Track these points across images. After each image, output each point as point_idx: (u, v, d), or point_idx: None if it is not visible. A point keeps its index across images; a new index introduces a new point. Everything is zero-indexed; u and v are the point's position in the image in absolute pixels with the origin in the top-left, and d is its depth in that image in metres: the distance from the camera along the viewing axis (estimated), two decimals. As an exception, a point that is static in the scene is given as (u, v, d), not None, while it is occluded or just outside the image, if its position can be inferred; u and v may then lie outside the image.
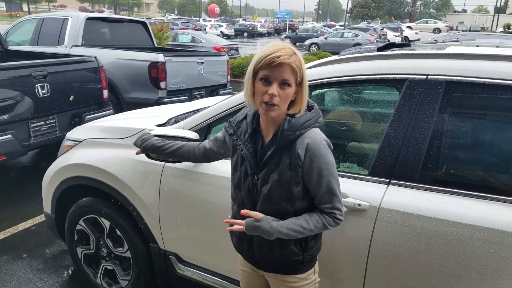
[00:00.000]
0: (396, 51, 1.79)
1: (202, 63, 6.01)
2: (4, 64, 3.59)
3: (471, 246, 1.40)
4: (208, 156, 1.70)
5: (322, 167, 1.27)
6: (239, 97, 1.97)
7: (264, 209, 1.34)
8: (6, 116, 3.60)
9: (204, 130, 2.04)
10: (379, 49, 1.96)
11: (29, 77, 3.77)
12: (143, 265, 2.32)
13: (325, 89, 2.04)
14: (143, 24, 7.24)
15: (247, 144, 1.37)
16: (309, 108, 1.35)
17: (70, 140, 2.58)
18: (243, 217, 1.36)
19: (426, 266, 1.48)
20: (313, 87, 1.79)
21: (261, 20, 57.11)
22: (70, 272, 2.83)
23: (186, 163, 1.99)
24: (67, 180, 2.44)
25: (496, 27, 44.47)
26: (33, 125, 3.93)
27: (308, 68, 1.84)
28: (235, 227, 1.36)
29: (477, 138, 1.52)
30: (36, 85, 3.84)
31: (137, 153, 1.93)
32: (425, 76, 1.57)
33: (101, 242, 2.49)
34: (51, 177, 2.53)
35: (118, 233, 2.35)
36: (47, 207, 2.64)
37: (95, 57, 4.54)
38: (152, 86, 5.42)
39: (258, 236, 1.36)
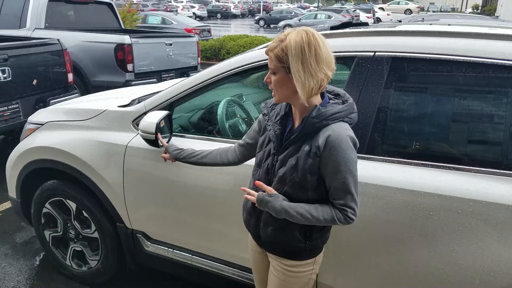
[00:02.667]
0: (347, 30, 1.86)
1: (171, 44, 5.94)
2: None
3: (413, 210, 1.52)
4: (245, 151, 1.63)
5: (340, 162, 1.25)
6: (202, 76, 2.01)
7: (277, 190, 1.36)
8: (-35, 101, 3.50)
9: (167, 108, 2.07)
10: (332, 28, 2.03)
11: (-12, 61, 3.66)
12: (111, 244, 2.36)
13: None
14: (109, 5, 7.06)
15: (276, 126, 1.38)
16: (344, 101, 1.34)
17: (32, 123, 2.55)
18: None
19: (372, 230, 1.60)
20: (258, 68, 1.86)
21: (235, 1, 56.05)
22: (40, 256, 2.84)
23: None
24: (31, 164, 2.43)
25: (466, 8, 45.51)
26: (-4, 110, 3.83)
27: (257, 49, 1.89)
28: (248, 196, 1.40)
29: (420, 111, 1.62)
30: (-4, 69, 3.73)
31: (166, 158, 1.87)
32: (372, 53, 1.65)
33: (68, 224, 2.51)
34: (14, 162, 2.51)
35: (85, 214, 2.38)
36: (11, 191, 2.63)
37: (58, 40, 4.43)
38: (119, 69, 5.35)
39: (266, 214, 1.38)
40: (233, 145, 1.68)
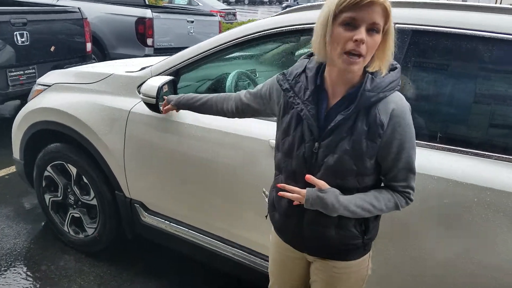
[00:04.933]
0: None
1: (192, 22, 5.82)
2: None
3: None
4: (242, 111, 1.42)
5: (406, 138, 1.06)
6: (211, 42, 1.88)
7: (327, 183, 1.10)
8: (-19, 62, 3.48)
9: (173, 75, 1.95)
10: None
11: (7, 24, 3.62)
12: (109, 213, 2.29)
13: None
14: (135, -20, 6.96)
15: (308, 104, 1.11)
16: (392, 66, 1.10)
17: (40, 84, 2.48)
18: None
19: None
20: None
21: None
22: (41, 222, 2.80)
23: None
24: (35, 125, 2.37)
25: None
26: (12, 73, 3.81)
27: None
28: (289, 195, 1.13)
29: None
30: (15, 33, 3.69)
31: (166, 111, 1.74)
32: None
33: (68, 190, 2.45)
34: (19, 123, 2.46)
35: (85, 180, 2.31)
36: (16, 153, 2.58)
37: (78, 8, 4.37)
38: (138, 43, 5.27)
39: (311, 212, 1.13)
40: (230, 95, 1.46)
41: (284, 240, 1.28)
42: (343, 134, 1.08)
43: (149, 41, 5.24)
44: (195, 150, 1.85)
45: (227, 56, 2.07)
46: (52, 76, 2.48)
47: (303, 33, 1.67)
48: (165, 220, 2.09)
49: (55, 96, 2.31)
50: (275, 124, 1.27)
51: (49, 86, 2.40)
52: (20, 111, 2.50)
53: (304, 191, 1.10)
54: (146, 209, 2.15)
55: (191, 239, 2.01)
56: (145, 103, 1.77)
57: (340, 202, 1.08)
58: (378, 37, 1.00)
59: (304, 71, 1.16)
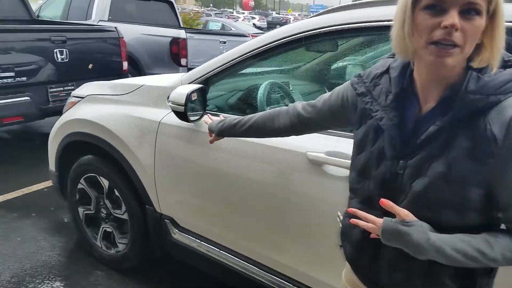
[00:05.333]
0: None
1: (225, 42, 5.87)
2: (24, 26, 3.58)
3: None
4: (301, 127, 1.18)
5: None
6: (242, 48, 1.80)
7: (413, 214, 0.83)
8: (24, 79, 3.61)
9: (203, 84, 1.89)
10: None
11: (48, 41, 3.75)
12: (139, 228, 2.22)
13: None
14: (170, 3, 7.17)
15: (390, 111, 0.88)
16: (506, 62, 0.81)
17: (74, 96, 2.50)
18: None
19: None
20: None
21: (295, 14, 56.17)
22: (74, 234, 2.78)
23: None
24: (69, 136, 2.37)
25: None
26: (52, 90, 3.93)
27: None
28: (362, 223, 0.88)
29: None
30: (55, 50, 3.82)
31: (212, 141, 1.51)
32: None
33: (100, 203, 2.41)
34: (55, 134, 2.48)
35: (117, 193, 2.26)
36: (51, 164, 2.59)
37: (115, 27, 4.49)
38: (173, 63, 5.35)
39: (390, 250, 0.87)
40: (282, 109, 1.22)
41: (358, 277, 1.03)
42: (436, 151, 0.81)
43: (183, 61, 5.31)
44: (224, 163, 1.76)
45: (258, 66, 2.00)
46: (86, 88, 2.50)
47: (343, 34, 1.55)
48: (196, 239, 1.98)
49: (87, 108, 2.31)
50: (312, 135, 1.15)
51: (83, 98, 2.41)
52: (56, 123, 2.52)
53: (380, 220, 0.84)
54: (176, 225, 2.06)
55: (225, 262, 1.88)
56: (173, 111, 1.70)
57: (430, 241, 0.78)
58: (480, 21, 0.75)
59: (387, 71, 0.94)
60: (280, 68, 2.45)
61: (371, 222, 0.86)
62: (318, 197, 1.48)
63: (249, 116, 1.31)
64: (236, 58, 1.77)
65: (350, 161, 1.00)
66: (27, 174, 3.59)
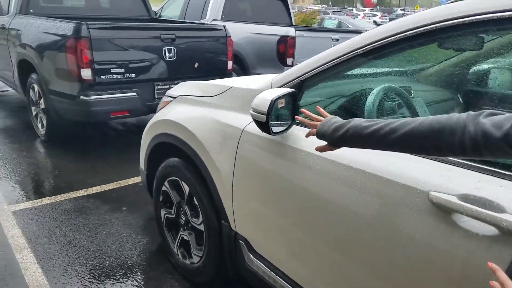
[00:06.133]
0: None
1: (338, 40, 5.49)
2: (135, 24, 3.77)
3: None
4: (491, 150, 0.83)
5: None
6: (351, 43, 1.49)
7: None
8: (133, 75, 3.80)
9: (296, 88, 1.62)
10: None
11: (158, 39, 3.90)
12: (214, 243, 2.06)
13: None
14: (284, 1, 7.07)
15: None
16: None
17: (167, 96, 2.47)
18: None
19: None
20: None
21: (420, 10, 52.10)
22: (157, 234, 2.78)
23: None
24: (157, 137, 2.35)
25: None
26: (159, 87, 4.09)
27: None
28: None
29: None
30: (164, 48, 3.96)
31: (322, 149, 1.23)
32: None
33: (181, 209, 2.33)
34: (146, 132, 2.48)
35: (195, 201, 2.14)
36: (142, 162, 2.62)
37: (223, 26, 4.50)
38: (278, 62, 5.18)
39: None
40: (460, 116, 0.88)
41: None
42: None
43: (288, 61, 5.12)
44: (317, 186, 1.46)
45: (369, 67, 1.65)
46: (180, 88, 2.44)
47: (494, 25, 1.11)
48: (272, 271, 1.72)
49: (177, 109, 2.24)
50: (442, 166, 0.78)
51: (175, 98, 2.35)
52: (149, 122, 2.52)
53: None
54: (251, 249, 1.84)
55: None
56: (254, 120, 1.47)
57: None
58: None
59: None
60: (399, 69, 2.04)
61: None
62: (443, 250, 1.09)
63: (395, 121, 0.98)
64: (341, 57, 1.46)
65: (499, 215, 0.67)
66: (128, 167, 3.78)
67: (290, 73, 1.65)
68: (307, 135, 1.33)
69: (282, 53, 5.14)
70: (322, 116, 1.26)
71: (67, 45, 3.45)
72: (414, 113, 1.78)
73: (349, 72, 1.64)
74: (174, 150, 2.29)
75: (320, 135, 1.20)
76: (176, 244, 2.39)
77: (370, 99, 1.64)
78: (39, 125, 4.33)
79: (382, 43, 1.34)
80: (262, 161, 1.68)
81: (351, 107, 1.74)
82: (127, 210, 3.05)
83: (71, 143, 4.41)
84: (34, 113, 4.40)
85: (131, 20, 5.29)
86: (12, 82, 4.79)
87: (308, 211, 1.50)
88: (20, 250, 2.45)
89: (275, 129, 1.46)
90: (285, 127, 1.51)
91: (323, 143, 1.21)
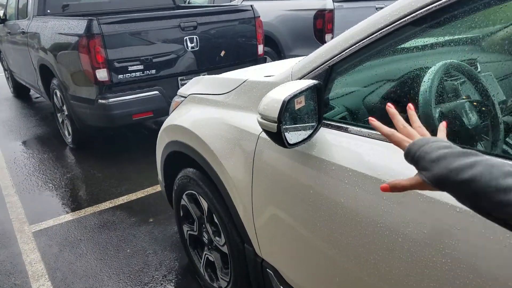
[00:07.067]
0: None
1: (383, 8, 4.91)
2: (151, 14, 3.51)
3: None
4: None
5: None
6: (390, 12, 1.11)
7: None
8: (154, 71, 3.57)
9: (322, 78, 1.25)
10: None
11: (177, 29, 3.63)
12: (239, 270, 1.76)
13: None
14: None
15: None
16: None
17: (179, 95, 2.18)
18: None
19: None
20: None
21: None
22: (183, 249, 2.55)
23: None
24: (168, 145, 2.07)
25: None
26: (183, 82, 3.83)
27: None
28: None
29: None
30: (185, 38, 3.68)
31: (392, 188, 0.81)
32: None
33: (203, 225, 2.06)
34: (158, 140, 2.22)
35: (216, 219, 1.85)
36: (159, 172, 2.37)
37: (251, 6, 4.13)
38: (316, 41, 4.73)
39: None
40: None
41: None
42: None
43: (327, 38, 4.64)
44: (357, 202, 1.10)
45: (423, 37, 1.25)
46: (191, 85, 2.14)
47: None
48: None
49: (186, 111, 1.95)
50: None
51: (185, 97, 2.05)
52: (161, 127, 2.26)
53: None
54: (282, 281, 1.51)
55: None
56: (263, 130, 1.12)
57: None
58: None
59: None
60: (457, 37, 1.58)
61: None
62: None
63: None
64: (384, 28, 1.09)
65: None
66: (156, 171, 3.57)
67: (313, 58, 1.28)
68: (377, 128, 0.88)
69: (320, 30, 4.68)
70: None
71: (79, 45, 3.27)
72: (485, 95, 1.36)
73: (394, 48, 1.25)
74: (190, 159, 2.01)
75: (411, 156, 0.76)
76: (202, 265, 2.14)
77: (426, 82, 1.25)
78: (66, 133, 4.26)
79: (440, 4, 0.94)
80: (285, 175, 1.33)
81: (400, 95, 1.33)
82: (153, 222, 2.85)
83: (100, 150, 4.30)
84: (60, 119, 4.34)
85: (153, 10, 5.07)
86: (38, 88, 4.78)
87: (350, 231, 1.14)
88: (37, 278, 2.31)
89: (293, 137, 1.11)
90: (307, 135, 1.14)
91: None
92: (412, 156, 0.75)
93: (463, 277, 0.85)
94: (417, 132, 0.82)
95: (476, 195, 0.63)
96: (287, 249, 1.45)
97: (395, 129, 0.86)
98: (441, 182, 0.68)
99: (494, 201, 0.61)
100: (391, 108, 0.89)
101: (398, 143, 0.82)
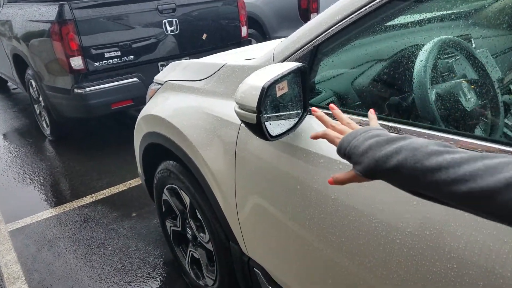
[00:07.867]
0: None
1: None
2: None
3: None
4: None
5: None
6: None
7: None
8: (132, 57, 3.39)
9: (306, 60, 1.12)
10: None
11: (155, 12, 3.44)
12: (225, 268, 1.66)
13: None
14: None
15: None
16: None
17: (155, 82, 2.03)
18: None
19: None
20: None
21: None
22: (166, 245, 2.43)
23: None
24: (146, 137, 1.93)
25: None
26: (164, 67, 3.65)
27: None
28: None
29: None
30: (163, 21, 3.49)
31: (335, 182, 0.78)
32: None
33: (186, 221, 1.94)
34: (135, 132, 2.08)
35: (199, 215, 1.73)
36: (138, 165, 2.23)
37: (232, -14, 3.94)
38: (301, 21, 4.55)
39: None
40: None
41: None
42: None
43: (313, 17, 4.47)
44: (351, 196, 0.99)
45: (414, 13, 1.12)
46: (167, 72, 1.99)
47: None
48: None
49: (162, 99, 1.80)
50: None
51: (162, 84, 1.90)
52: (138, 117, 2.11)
53: None
54: (270, 281, 1.40)
55: None
56: (242, 121, 0.99)
57: None
58: None
59: None
60: (452, 11, 1.46)
61: None
62: None
63: (491, 155, 0.56)
64: (372, 2, 0.96)
65: None
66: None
67: (296, 38, 1.15)
68: (314, 137, 0.87)
69: (305, 10, 4.50)
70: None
71: (51, 32, 3.07)
72: (481, 72, 1.25)
73: (385, 24, 1.13)
74: (169, 151, 1.87)
75: (343, 152, 0.75)
76: (187, 262, 2.02)
77: (421, 61, 1.13)
78: (44, 124, 4.07)
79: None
80: (270, 167, 1.21)
81: (392, 76, 1.21)
82: (136, 217, 2.72)
83: (80, 141, 4.13)
84: (37, 111, 4.14)
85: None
86: (13, 79, 4.55)
87: (344, 228, 1.03)
88: (13, 281, 2.18)
89: (275, 128, 0.98)
90: (292, 124, 1.02)
91: None
92: (343, 153, 0.75)
93: (471, 284, 0.74)
94: (347, 127, 0.82)
95: (407, 180, 0.63)
96: (274, 247, 1.34)
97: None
98: (371, 174, 0.68)
99: (426, 184, 0.59)
100: (316, 112, 0.90)
101: (332, 142, 0.81)
